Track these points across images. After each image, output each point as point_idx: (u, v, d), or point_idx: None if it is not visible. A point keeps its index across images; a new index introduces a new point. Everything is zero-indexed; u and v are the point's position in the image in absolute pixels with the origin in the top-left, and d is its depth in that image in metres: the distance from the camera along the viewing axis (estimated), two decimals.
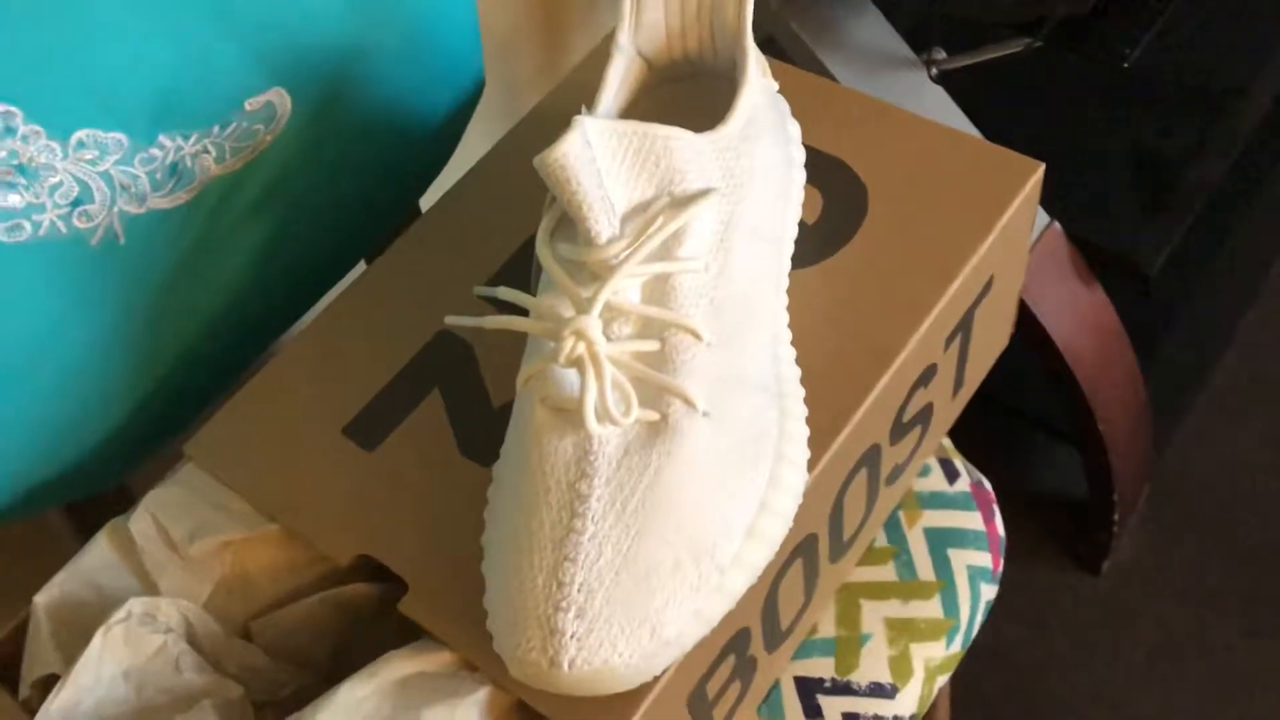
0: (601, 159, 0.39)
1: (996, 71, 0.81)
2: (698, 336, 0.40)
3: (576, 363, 0.39)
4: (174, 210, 0.49)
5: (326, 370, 0.49)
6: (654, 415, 0.39)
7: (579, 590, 0.37)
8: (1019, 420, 1.02)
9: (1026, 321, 0.82)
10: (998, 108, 0.85)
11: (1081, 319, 0.83)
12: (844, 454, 0.45)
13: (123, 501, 0.59)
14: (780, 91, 0.50)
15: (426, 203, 0.64)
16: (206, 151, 0.49)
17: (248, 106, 0.50)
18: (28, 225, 0.44)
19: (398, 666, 0.40)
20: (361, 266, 0.65)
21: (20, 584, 0.54)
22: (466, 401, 0.47)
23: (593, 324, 0.38)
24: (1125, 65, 0.60)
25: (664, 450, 0.39)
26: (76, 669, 0.40)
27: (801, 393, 0.44)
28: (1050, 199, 0.81)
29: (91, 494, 0.55)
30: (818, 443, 0.44)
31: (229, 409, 0.48)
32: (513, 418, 0.42)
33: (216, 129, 0.49)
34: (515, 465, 0.40)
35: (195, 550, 0.44)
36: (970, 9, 0.62)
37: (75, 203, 0.46)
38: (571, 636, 0.36)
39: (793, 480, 0.41)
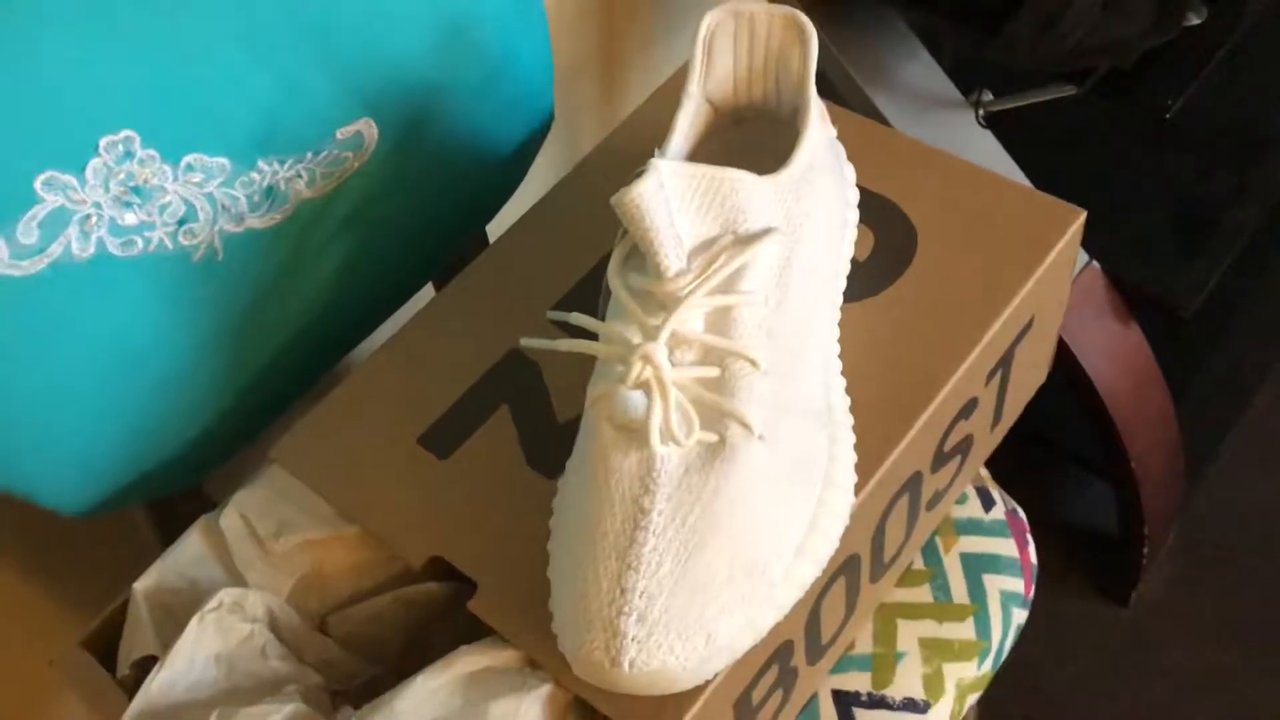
0: (673, 198, 0.42)
1: (1041, 113, 0.83)
2: (755, 365, 0.43)
3: (643, 385, 0.42)
4: (267, 230, 0.53)
5: (404, 384, 0.52)
6: (713, 437, 0.42)
7: (640, 597, 0.40)
8: (1053, 453, 1.04)
9: (1064, 358, 0.84)
10: (1041, 149, 0.87)
11: (1117, 357, 0.85)
12: (888, 480, 0.48)
13: (195, 500, 0.63)
14: (838, 136, 0.53)
15: (493, 228, 0.67)
16: (299, 176, 0.53)
17: (339, 135, 0.54)
18: (139, 241, 0.48)
19: (468, 661, 0.43)
20: (428, 288, 0.68)
21: (106, 570, 0.58)
22: (534, 417, 0.50)
23: (659, 350, 0.42)
24: (1167, 117, 0.63)
25: (722, 470, 0.42)
26: (173, 652, 0.43)
27: (850, 421, 0.47)
28: (1089, 239, 0.83)
29: (172, 492, 0.58)
30: (864, 468, 0.46)
31: (313, 417, 0.52)
32: (580, 434, 0.45)
33: (310, 155, 0.53)
34: (582, 479, 0.43)
35: (280, 547, 0.48)
36: (1019, 60, 0.65)
37: (181, 221, 0.49)
38: (632, 639, 0.39)
39: (840, 503, 0.44)
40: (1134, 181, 0.86)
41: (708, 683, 0.42)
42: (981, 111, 0.82)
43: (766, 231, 0.44)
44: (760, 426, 0.42)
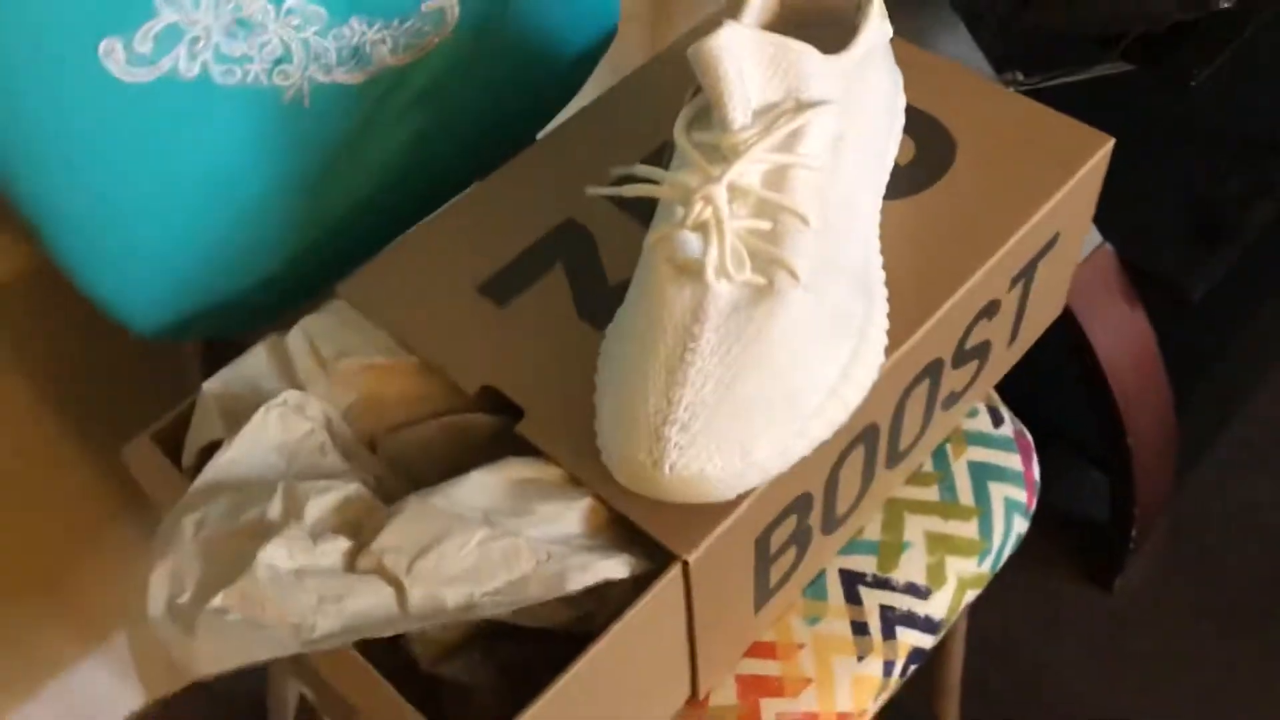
0: (744, 58, 0.46)
1: (1067, 103, 0.87)
2: (805, 221, 0.47)
3: (702, 227, 0.45)
4: (352, 86, 0.56)
5: (469, 238, 0.55)
6: (762, 280, 0.46)
7: (685, 409, 0.43)
8: (1053, 441, 1.07)
9: (1073, 333, 0.88)
10: None
11: (1123, 336, 0.89)
12: (913, 356, 0.51)
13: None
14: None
15: None
16: (384, 41, 0.57)
17: (424, 8, 0.57)
18: (239, 71, 0.52)
19: (518, 469, 0.46)
20: None
21: (151, 404, 0.60)
22: (586, 275, 0.54)
23: (720, 192, 0.45)
24: (1192, 84, 0.67)
25: (767, 310, 0.45)
26: (241, 433, 0.46)
27: (885, 292, 0.50)
28: (1106, 224, 0.88)
29: (231, 334, 0.61)
30: (893, 339, 0.50)
31: (380, 260, 0.55)
32: (635, 275, 0.48)
33: (396, 22, 0.57)
34: (636, 309, 0.47)
35: (341, 367, 0.51)
36: (1057, 22, 0.69)
37: (278, 61, 0.53)
38: (675, 445, 0.43)
39: (871, 358, 0.47)
40: (1153, 173, 0.91)
41: (735, 505, 0.45)
42: (1012, 90, 0.86)
43: (825, 101, 0.48)
44: (805, 277, 0.46)
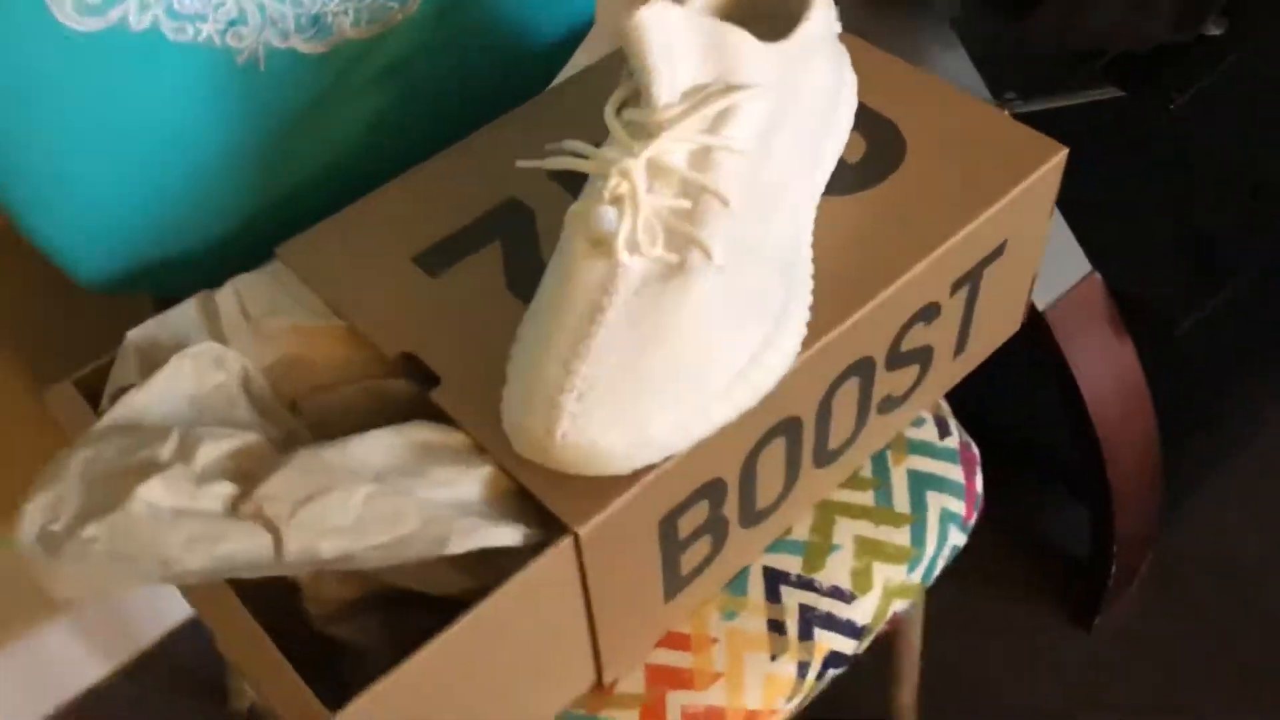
0: (676, 40, 0.46)
1: (1063, 130, 0.87)
2: (725, 203, 0.46)
3: (618, 201, 0.45)
4: (310, 56, 0.57)
5: (414, 210, 0.56)
6: (674, 258, 0.45)
7: (583, 380, 0.43)
8: (1038, 473, 1.06)
9: (1055, 363, 0.86)
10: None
11: (1109, 368, 0.87)
12: (838, 347, 0.50)
13: None
14: (854, 64, 0.57)
15: None
16: (346, 13, 0.57)
17: None
18: (190, 29, 0.52)
19: (422, 432, 0.46)
20: None
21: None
22: (521, 253, 0.54)
23: (638, 167, 0.45)
24: (1170, 108, 0.66)
25: (677, 287, 0.45)
26: (153, 379, 0.47)
27: (811, 284, 0.50)
28: (1097, 254, 0.86)
29: (188, 290, 0.62)
30: (816, 329, 0.49)
31: (322, 226, 0.55)
32: (556, 248, 0.48)
33: None
34: (551, 282, 0.47)
35: (266, 325, 0.51)
36: (1043, 42, 0.69)
37: (232, 23, 0.54)
38: (569, 413, 0.42)
39: (787, 345, 0.47)
40: (1146, 205, 0.89)
41: (633, 481, 0.45)
42: (1007, 112, 0.85)
43: (756, 86, 0.47)
44: (721, 258, 0.46)
